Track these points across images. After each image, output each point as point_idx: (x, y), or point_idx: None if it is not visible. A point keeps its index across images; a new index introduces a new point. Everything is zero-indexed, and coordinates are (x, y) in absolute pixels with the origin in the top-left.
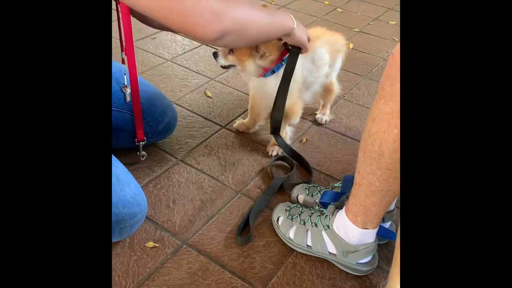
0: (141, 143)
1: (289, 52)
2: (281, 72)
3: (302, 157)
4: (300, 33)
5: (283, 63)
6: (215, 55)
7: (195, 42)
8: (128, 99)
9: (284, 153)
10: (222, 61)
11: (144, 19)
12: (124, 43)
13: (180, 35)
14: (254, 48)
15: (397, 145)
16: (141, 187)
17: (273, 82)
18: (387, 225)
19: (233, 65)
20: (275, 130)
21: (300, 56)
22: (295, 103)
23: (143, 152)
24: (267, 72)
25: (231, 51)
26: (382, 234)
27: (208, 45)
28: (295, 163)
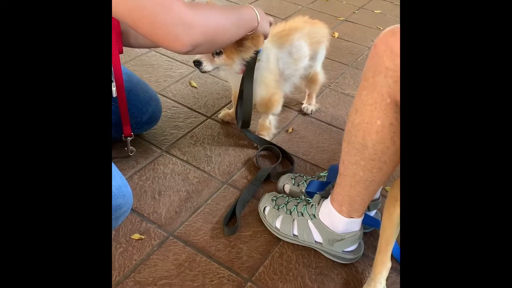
0: (129, 138)
1: None
2: (259, 63)
3: (279, 147)
4: (264, 25)
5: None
6: (197, 63)
7: None
8: (114, 94)
9: (270, 145)
10: (208, 67)
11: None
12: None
13: None
14: (239, 43)
15: (380, 136)
16: (126, 179)
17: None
18: (372, 213)
19: (217, 67)
20: (244, 123)
21: (277, 49)
22: (273, 93)
23: (131, 147)
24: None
25: (217, 53)
26: (368, 222)
27: None
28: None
